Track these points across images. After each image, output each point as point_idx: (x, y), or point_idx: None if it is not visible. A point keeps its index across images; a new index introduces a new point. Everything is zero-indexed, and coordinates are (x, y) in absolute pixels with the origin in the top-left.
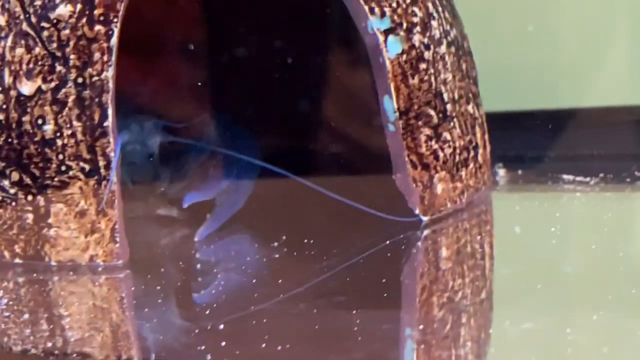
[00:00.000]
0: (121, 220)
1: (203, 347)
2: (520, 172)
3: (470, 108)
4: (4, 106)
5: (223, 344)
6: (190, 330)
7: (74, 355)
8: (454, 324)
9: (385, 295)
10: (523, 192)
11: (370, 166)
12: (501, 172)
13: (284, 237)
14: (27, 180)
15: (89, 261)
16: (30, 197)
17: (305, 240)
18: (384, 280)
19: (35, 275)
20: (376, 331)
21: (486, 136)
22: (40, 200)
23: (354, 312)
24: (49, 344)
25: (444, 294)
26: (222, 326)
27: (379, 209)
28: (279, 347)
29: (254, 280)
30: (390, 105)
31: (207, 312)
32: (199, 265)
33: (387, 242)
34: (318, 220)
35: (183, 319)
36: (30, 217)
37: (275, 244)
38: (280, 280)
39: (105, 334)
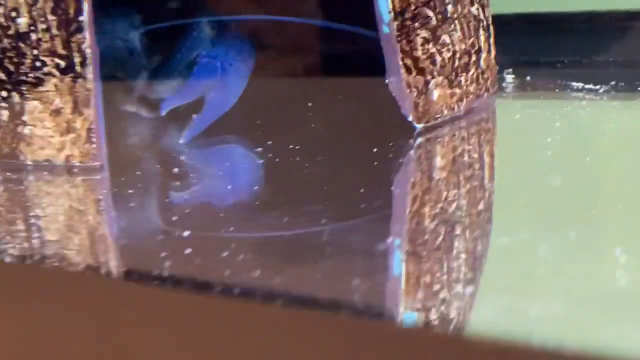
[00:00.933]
0: (98, 121)
1: (165, 254)
2: (528, 78)
3: (474, 9)
4: None
5: (187, 251)
6: (157, 236)
7: (51, 257)
8: (446, 235)
9: (371, 205)
10: (529, 100)
11: (364, 68)
12: (509, 78)
13: (269, 142)
14: (2, 76)
15: (65, 161)
16: (4, 93)
17: (291, 146)
18: (370, 190)
19: (10, 174)
20: (357, 243)
21: (491, 40)
22: (15, 96)
23: (330, 222)
24: (25, 245)
25: (436, 205)
26: (186, 233)
27: (372, 114)
28: (241, 257)
29: (229, 187)
30: (385, 5)
31: (175, 218)
32: (176, 169)
33: (375, 149)
34: (307, 124)
35: (152, 225)
36: (5, 114)
37: (259, 149)
38: (255, 187)
39: (82, 236)
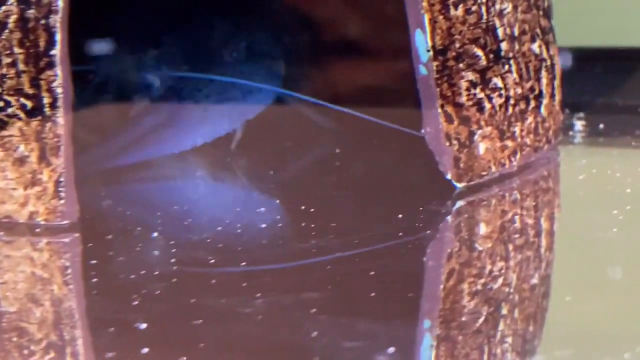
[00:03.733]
0: (69, 172)
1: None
2: (602, 126)
3: (535, 47)
4: None
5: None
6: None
7: (9, 330)
8: (489, 316)
9: (399, 279)
10: (599, 154)
11: (395, 113)
12: (578, 124)
13: (278, 201)
14: None
15: (28, 219)
16: None
17: (303, 207)
18: (399, 262)
19: None
20: (377, 327)
21: (556, 82)
22: None
23: (353, 303)
24: None
25: (477, 280)
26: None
27: (403, 167)
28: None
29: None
30: (423, 41)
31: (142, 298)
32: (155, 234)
33: (401, 214)
34: (328, 176)
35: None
36: None
37: (263, 208)
38: (243, 264)
39: (45, 309)
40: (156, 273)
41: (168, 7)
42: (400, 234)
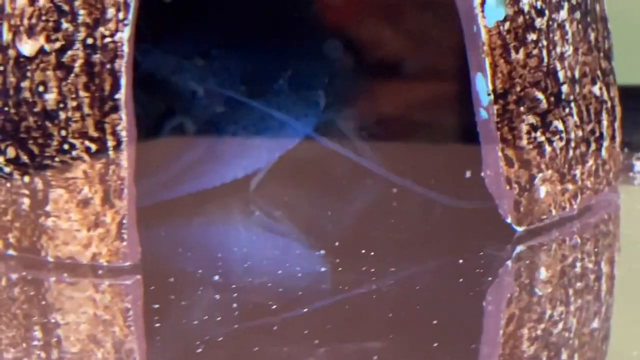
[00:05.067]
0: (131, 214)
1: None
2: None
3: (596, 89)
4: (1, 68)
5: None
6: (194, 351)
7: None
8: None
9: (461, 327)
10: None
11: (454, 157)
12: (638, 165)
13: (337, 243)
14: (24, 158)
15: (91, 260)
16: (27, 179)
17: (363, 251)
18: (460, 309)
19: (29, 272)
20: None
21: (617, 124)
22: (38, 183)
23: (415, 353)
24: (42, 355)
25: (537, 325)
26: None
27: (461, 209)
28: None
29: (280, 291)
30: (484, 85)
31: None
32: (216, 277)
33: (461, 260)
34: (386, 219)
35: (188, 340)
36: (26, 202)
37: (322, 251)
38: (305, 310)
39: (106, 350)
40: (218, 319)
41: (222, 23)
42: (461, 280)
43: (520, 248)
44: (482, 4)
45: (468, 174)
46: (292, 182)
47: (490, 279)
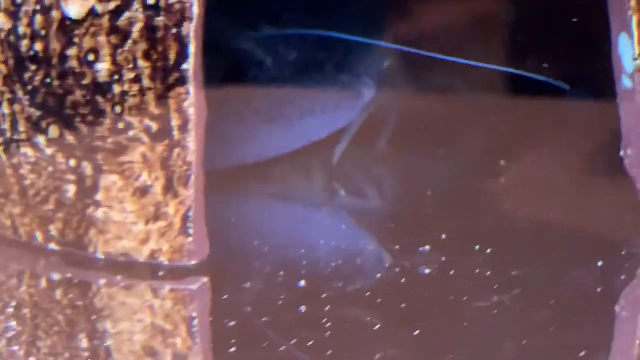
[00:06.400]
0: (199, 205)
1: None
2: None
3: None
4: (43, 32)
5: None
6: None
7: None
8: None
9: (588, 337)
10: None
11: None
12: None
13: (443, 236)
14: (70, 139)
15: (150, 258)
16: (73, 162)
17: (477, 246)
18: (588, 317)
19: (75, 271)
20: None
21: None
22: (87, 167)
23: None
24: None
25: None
26: None
27: (598, 200)
28: None
29: (377, 325)
30: (629, 48)
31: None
32: (302, 282)
33: (601, 262)
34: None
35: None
36: (71, 189)
37: (426, 247)
38: (433, 304)
39: None
40: (310, 344)
41: None
42: (599, 289)
43: None
44: None
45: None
46: (377, 149)
47: (628, 278)
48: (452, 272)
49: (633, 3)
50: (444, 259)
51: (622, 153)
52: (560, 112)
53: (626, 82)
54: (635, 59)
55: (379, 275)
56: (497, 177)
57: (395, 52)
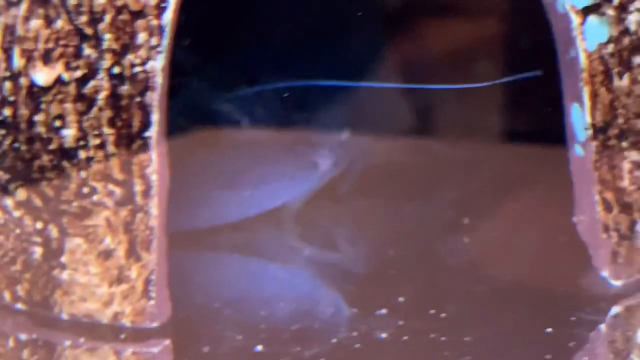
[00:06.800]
0: (162, 268)
1: None
2: None
3: None
4: (12, 98)
5: None
6: None
7: None
8: None
9: None
10: None
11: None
12: None
13: (401, 299)
14: (37, 202)
15: (112, 320)
16: (39, 225)
17: (432, 311)
18: None
19: (41, 331)
20: None
21: None
22: (53, 230)
23: None
24: None
25: None
26: None
27: (551, 264)
28: None
29: None
30: (581, 118)
31: None
32: (259, 347)
33: (550, 328)
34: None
35: None
36: (38, 251)
37: (383, 310)
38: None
39: None
40: None
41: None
42: (549, 356)
43: (617, 309)
44: (582, 23)
45: None
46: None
47: (578, 345)
48: (404, 338)
49: (585, 74)
50: (401, 322)
51: (575, 219)
52: (530, 169)
53: (578, 151)
54: (586, 129)
55: (334, 341)
56: (460, 236)
57: (356, 120)
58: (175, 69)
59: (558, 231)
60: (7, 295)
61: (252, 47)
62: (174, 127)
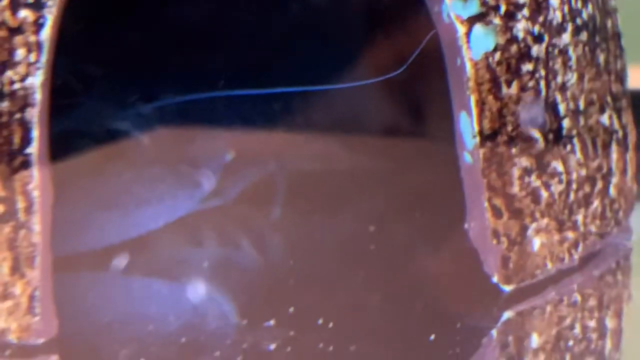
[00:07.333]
0: (46, 285)
1: None
2: None
3: (604, 118)
4: None
5: None
6: None
7: None
8: None
9: None
10: None
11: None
12: None
13: (291, 309)
14: None
15: None
16: None
17: (320, 321)
18: None
19: None
20: None
21: (629, 155)
22: None
23: None
24: None
25: None
26: None
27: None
28: None
29: None
30: (468, 126)
31: None
32: (152, 349)
33: (434, 335)
34: (352, 276)
35: None
36: None
37: (270, 321)
38: None
39: None
40: None
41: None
42: (444, 348)
43: (508, 313)
44: (468, 33)
45: None
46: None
47: (463, 352)
48: (289, 348)
49: (471, 83)
50: (292, 333)
51: (466, 225)
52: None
53: (467, 158)
54: (474, 137)
55: (217, 353)
56: (367, 244)
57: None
58: (68, 86)
59: (452, 239)
60: None
61: (151, 63)
62: (66, 146)
